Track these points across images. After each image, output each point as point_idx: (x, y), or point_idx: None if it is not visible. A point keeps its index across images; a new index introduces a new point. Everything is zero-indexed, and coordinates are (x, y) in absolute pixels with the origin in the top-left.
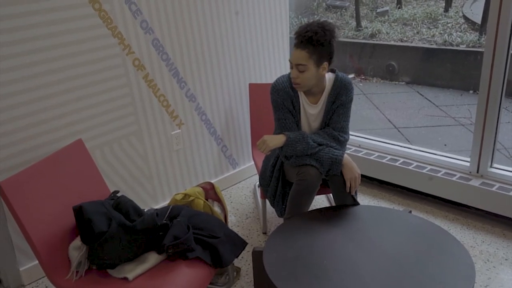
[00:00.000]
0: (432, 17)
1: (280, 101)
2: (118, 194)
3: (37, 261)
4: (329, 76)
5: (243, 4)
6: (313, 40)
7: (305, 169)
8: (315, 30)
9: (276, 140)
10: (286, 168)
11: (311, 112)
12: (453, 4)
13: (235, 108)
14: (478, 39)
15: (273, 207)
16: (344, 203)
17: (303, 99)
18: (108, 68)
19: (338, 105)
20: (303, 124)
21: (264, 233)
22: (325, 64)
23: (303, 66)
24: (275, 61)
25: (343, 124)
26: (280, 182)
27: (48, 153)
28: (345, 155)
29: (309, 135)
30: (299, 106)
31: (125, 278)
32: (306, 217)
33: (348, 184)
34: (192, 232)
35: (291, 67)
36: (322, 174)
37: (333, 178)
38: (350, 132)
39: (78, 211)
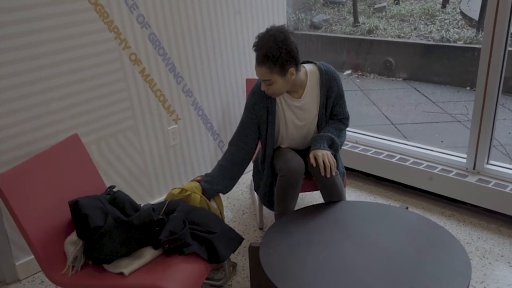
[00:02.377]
0: (430, 13)
1: (251, 105)
2: (114, 189)
3: (33, 256)
4: (310, 69)
5: (241, 0)
6: (269, 56)
7: (286, 164)
8: (268, 45)
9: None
10: (274, 163)
11: (296, 105)
12: (450, 0)
13: (231, 103)
14: (476, 36)
15: (265, 206)
16: (331, 200)
17: (284, 95)
18: (104, 62)
19: (335, 97)
20: (287, 118)
21: (261, 228)
22: (291, 69)
23: (268, 81)
24: None
25: (346, 111)
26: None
27: (43, 148)
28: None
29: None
30: (275, 107)
31: (121, 273)
32: (303, 213)
33: (320, 162)
34: (188, 227)
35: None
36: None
37: (318, 177)
38: (347, 128)
39: (74, 205)
